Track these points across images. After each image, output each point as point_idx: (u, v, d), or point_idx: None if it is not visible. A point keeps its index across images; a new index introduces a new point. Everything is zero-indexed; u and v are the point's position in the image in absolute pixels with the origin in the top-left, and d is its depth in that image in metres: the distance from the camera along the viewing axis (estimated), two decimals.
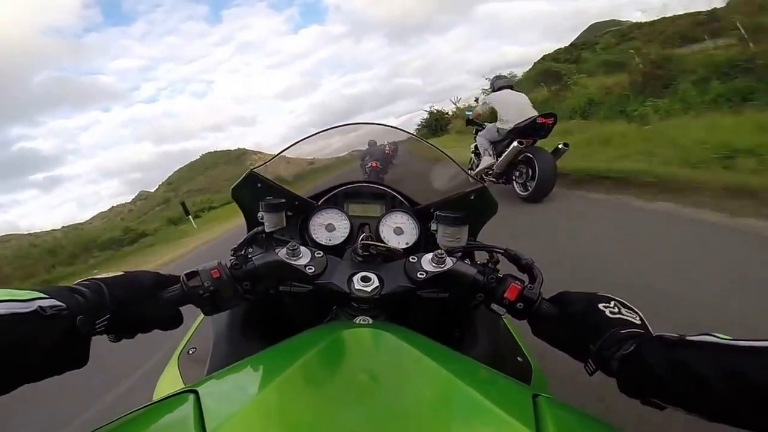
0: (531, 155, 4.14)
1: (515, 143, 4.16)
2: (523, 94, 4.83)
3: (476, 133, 5.18)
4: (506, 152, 4.32)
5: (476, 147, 5.18)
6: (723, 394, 0.34)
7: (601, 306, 0.50)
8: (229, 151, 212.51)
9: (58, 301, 0.41)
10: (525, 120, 4.25)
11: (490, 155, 4.74)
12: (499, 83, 4.90)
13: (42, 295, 0.41)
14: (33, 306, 0.39)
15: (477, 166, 4.98)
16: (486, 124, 4.98)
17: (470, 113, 5.36)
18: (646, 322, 0.49)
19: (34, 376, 0.40)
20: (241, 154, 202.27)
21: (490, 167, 4.65)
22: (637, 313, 0.50)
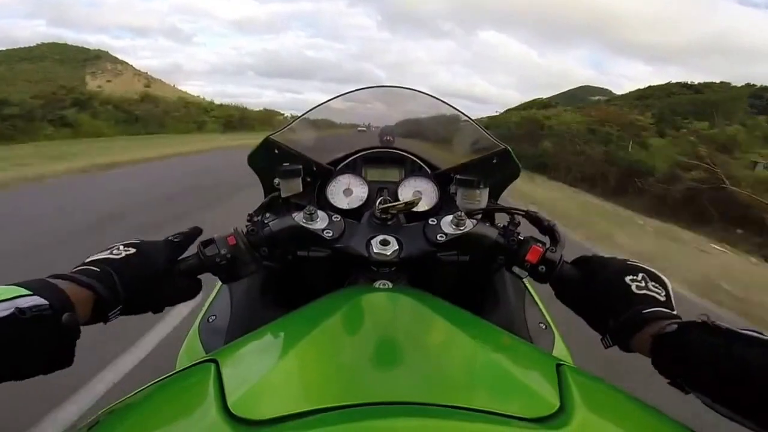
0: None
1: None
2: None
3: None
4: None
5: None
6: (764, 392, 0.33)
7: (627, 279, 0.47)
8: (85, 50, 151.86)
9: (42, 298, 0.36)
10: None
11: None
12: None
13: (24, 292, 0.36)
14: (10, 308, 0.34)
15: None
16: None
17: None
18: (672, 297, 0.47)
19: (9, 378, 0.36)
20: (95, 58, 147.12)
21: None
22: (664, 286, 0.48)
